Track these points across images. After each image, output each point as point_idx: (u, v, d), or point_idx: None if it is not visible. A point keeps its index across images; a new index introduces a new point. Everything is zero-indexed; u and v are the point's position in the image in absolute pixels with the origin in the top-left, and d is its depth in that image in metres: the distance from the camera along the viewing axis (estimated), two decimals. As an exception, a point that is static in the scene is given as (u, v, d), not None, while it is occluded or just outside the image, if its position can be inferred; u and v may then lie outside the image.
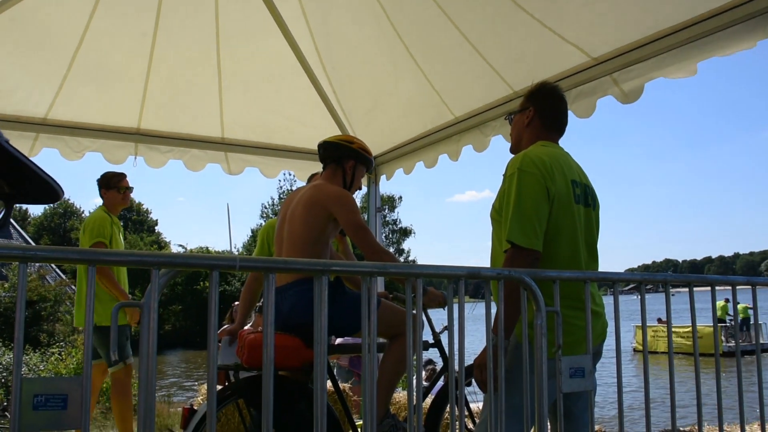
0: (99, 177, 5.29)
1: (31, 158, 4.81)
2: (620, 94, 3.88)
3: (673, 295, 2.73)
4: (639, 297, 2.56)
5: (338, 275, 3.38)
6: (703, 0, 3.29)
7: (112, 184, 5.26)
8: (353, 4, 4.76)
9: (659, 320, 23.41)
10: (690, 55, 3.50)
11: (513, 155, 2.73)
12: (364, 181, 6.28)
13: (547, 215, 2.51)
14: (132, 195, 5.44)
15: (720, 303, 23.74)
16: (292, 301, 3.29)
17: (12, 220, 39.77)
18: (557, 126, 2.84)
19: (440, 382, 4.03)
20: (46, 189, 0.50)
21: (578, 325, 2.45)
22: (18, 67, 4.80)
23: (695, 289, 2.65)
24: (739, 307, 23.51)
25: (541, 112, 2.83)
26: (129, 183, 5.35)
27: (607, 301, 2.66)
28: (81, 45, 4.80)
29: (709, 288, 2.74)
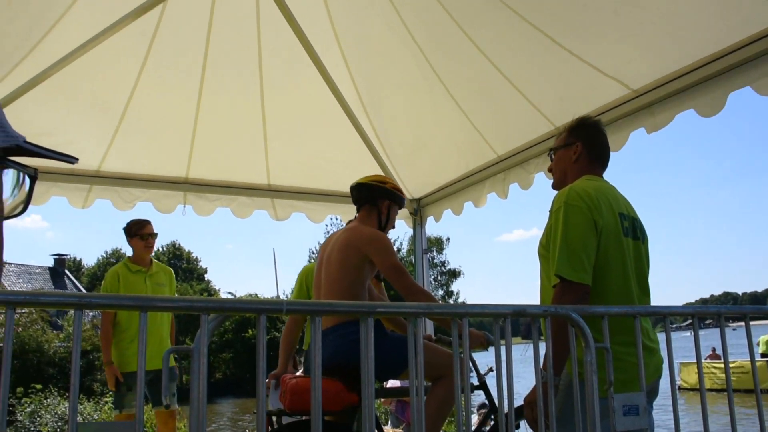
0: (123, 226, 5.42)
1: (85, 209, 4.94)
2: (652, 125, 3.87)
3: (734, 329, 2.66)
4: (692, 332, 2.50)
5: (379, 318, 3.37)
6: (739, 29, 3.27)
7: (134, 232, 5.37)
8: (392, 48, 4.84)
9: (713, 351, 22.57)
10: (722, 86, 3.48)
11: (557, 191, 2.72)
12: (408, 222, 6.33)
13: (595, 249, 2.48)
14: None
15: (764, 337, 22.89)
16: (334, 344, 3.29)
17: (66, 271, 40.87)
18: (603, 160, 2.83)
19: (488, 426, 3.96)
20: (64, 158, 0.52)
21: (631, 361, 2.40)
22: (72, 123, 4.99)
23: (755, 323, 2.58)
24: (763, 339, 22.54)
25: (589, 147, 2.82)
26: (153, 229, 5.43)
27: (661, 337, 2.60)
28: (131, 100, 4.97)
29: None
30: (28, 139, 0.46)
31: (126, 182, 5.52)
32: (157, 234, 5.47)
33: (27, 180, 0.53)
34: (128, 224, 5.39)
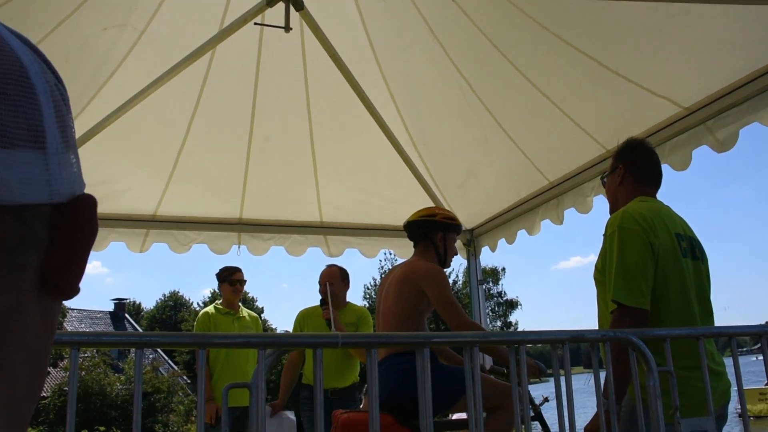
0: (216, 272, 5.88)
1: (142, 252, 5.08)
2: (715, 142, 3.78)
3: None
4: (762, 356, 2.41)
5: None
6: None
7: (224, 278, 5.81)
8: (438, 81, 4.87)
9: None
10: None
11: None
12: (462, 254, 6.30)
13: (653, 272, 2.43)
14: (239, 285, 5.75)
15: None
16: (384, 376, 3.27)
17: (126, 315, 41.73)
18: (650, 179, 2.78)
19: None
20: None
21: (697, 386, 2.32)
22: (128, 170, 5.14)
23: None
24: None
25: (630, 168, 2.79)
26: (242, 276, 5.84)
27: (728, 361, 2.52)
28: (184, 145, 5.10)
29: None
30: (88, 188, 0.50)
31: (181, 225, 5.65)
32: (245, 281, 5.89)
33: None
34: (220, 270, 5.86)
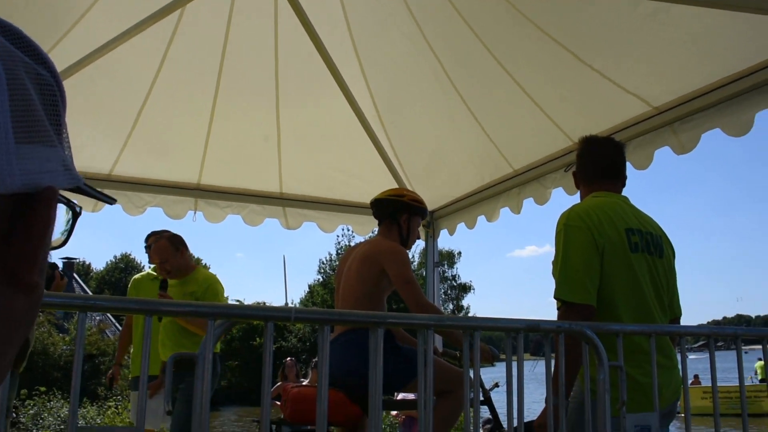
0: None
1: (95, 212, 4.96)
2: (677, 144, 3.81)
3: (746, 352, 2.61)
4: (707, 355, 2.44)
5: (389, 329, 3.34)
6: (763, 49, 3.23)
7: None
8: (411, 60, 4.81)
9: (695, 378, 22.12)
10: (748, 106, 3.42)
11: None
12: (421, 233, 6.29)
13: (598, 268, 2.44)
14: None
15: (760, 363, 22.55)
16: (338, 354, 3.25)
17: (75, 275, 41.00)
18: (604, 173, 2.77)
19: None
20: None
21: (646, 382, 2.35)
22: (85, 126, 4.98)
23: (756, 346, 2.52)
24: (759, 365, 22.19)
25: (582, 165, 2.81)
26: (153, 240, 5.33)
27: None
28: (145, 105, 4.96)
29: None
30: None
31: (137, 187, 5.51)
32: (151, 246, 5.33)
33: (71, 215, 0.58)
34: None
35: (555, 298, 2.44)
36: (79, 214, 0.59)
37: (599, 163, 2.79)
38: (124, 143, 5.18)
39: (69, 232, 0.59)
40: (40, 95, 0.49)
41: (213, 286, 4.81)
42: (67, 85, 4.25)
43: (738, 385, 2.57)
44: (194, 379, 1.77)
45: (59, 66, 4.20)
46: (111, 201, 0.68)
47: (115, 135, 5.14)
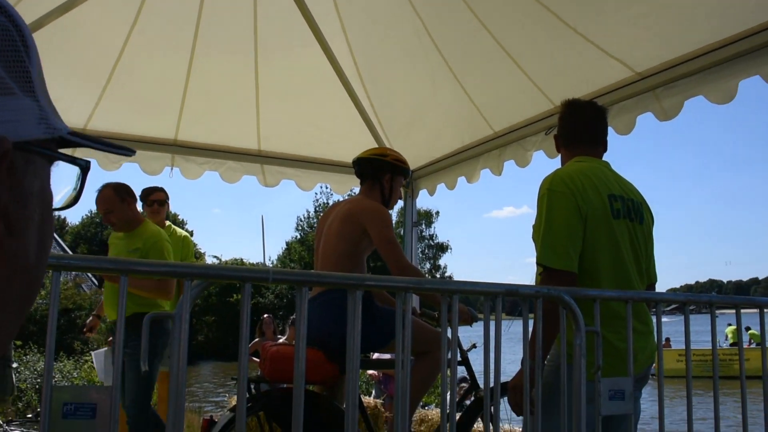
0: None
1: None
2: (660, 110, 3.80)
3: (717, 316, 2.65)
4: (681, 318, 2.47)
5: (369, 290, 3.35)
6: (749, 16, 3.21)
7: (142, 198, 5.30)
8: (393, 19, 4.74)
9: (666, 341, 22.63)
10: (732, 73, 3.41)
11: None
12: (402, 193, 6.28)
13: (581, 234, 2.44)
14: (168, 205, 5.52)
15: (731, 328, 23.07)
16: (316, 313, 3.25)
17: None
18: (586, 138, 2.75)
19: (467, 402, 3.94)
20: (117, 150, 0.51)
21: (622, 347, 2.37)
22: (58, 79, 4.86)
23: (744, 311, 2.56)
24: (730, 329, 22.72)
25: (563, 129, 2.79)
26: (163, 197, 5.46)
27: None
28: (120, 57, 4.85)
29: (756, 310, 2.64)
30: None
31: (112, 142, 5.40)
32: (166, 201, 5.48)
33: (78, 171, 0.55)
34: (141, 190, 5.30)
35: (537, 263, 2.44)
36: (87, 168, 0.56)
37: (581, 127, 2.77)
38: (99, 97, 5.08)
39: (79, 189, 0.56)
40: None
41: (159, 243, 4.55)
42: (37, 37, 4.12)
43: (711, 348, 2.61)
44: (146, 341, 1.74)
45: (27, 19, 4.08)
46: (127, 152, 0.62)
47: (89, 89, 5.04)
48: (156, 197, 5.41)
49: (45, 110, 0.49)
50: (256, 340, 8.22)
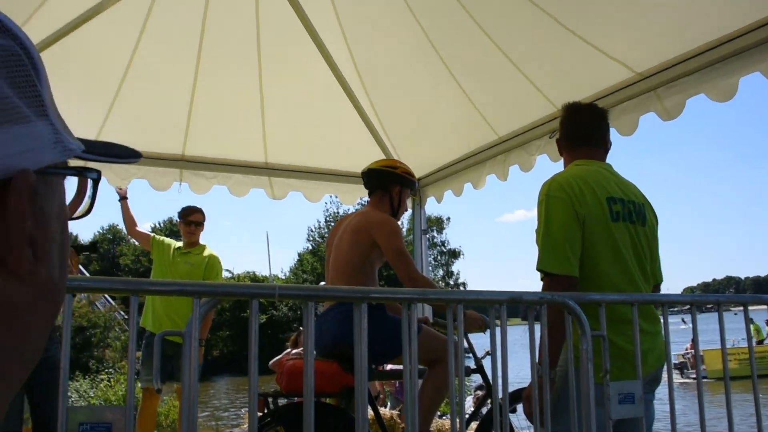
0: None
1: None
2: (662, 110, 3.81)
3: (735, 314, 2.65)
4: (688, 320, 2.48)
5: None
6: (747, 14, 3.21)
7: (180, 216, 5.93)
8: (393, 26, 4.77)
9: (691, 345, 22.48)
10: (732, 71, 3.42)
11: None
12: (409, 202, 6.30)
13: (579, 239, 2.45)
14: (176, 221, 5.73)
15: (754, 325, 22.90)
16: (330, 325, 3.28)
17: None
18: (586, 140, 2.77)
19: (485, 408, 3.96)
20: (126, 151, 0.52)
21: (630, 349, 2.38)
22: (66, 98, 4.92)
23: (754, 308, 2.55)
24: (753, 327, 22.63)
25: (564, 132, 2.81)
26: (201, 218, 5.92)
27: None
28: (126, 74, 4.90)
29: (766, 307, 2.64)
30: None
31: (121, 149, 5.45)
32: (202, 224, 5.96)
33: (90, 182, 0.57)
34: (182, 208, 5.97)
35: (537, 269, 2.46)
36: (98, 179, 0.58)
37: (581, 130, 2.79)
38: (106, 115, 5.13)
39: (92, 200, 0.58)
40: (3, 69, 0.45)
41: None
42: (44, 58, 4.18)
43: (747, 346, 2.61)
44: (158, 359, 1.77)
45: (34, 40, 4.13)
46: (133, 160, 0.65)
47: (97, 107, 5.09)
48: (195, 218, 5.85)
49: (59, 131, 0.50)
50: (288, 350, 8.22)
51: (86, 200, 0.57)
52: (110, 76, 4.91)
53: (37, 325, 0.49)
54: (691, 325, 2.63)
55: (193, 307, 1.76)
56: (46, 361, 4.27)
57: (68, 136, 0.52)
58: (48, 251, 0.50)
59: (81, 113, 5.11)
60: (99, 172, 0.57)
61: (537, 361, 2.17)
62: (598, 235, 2.47)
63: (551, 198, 2.50)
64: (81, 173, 0.56)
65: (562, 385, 2.34)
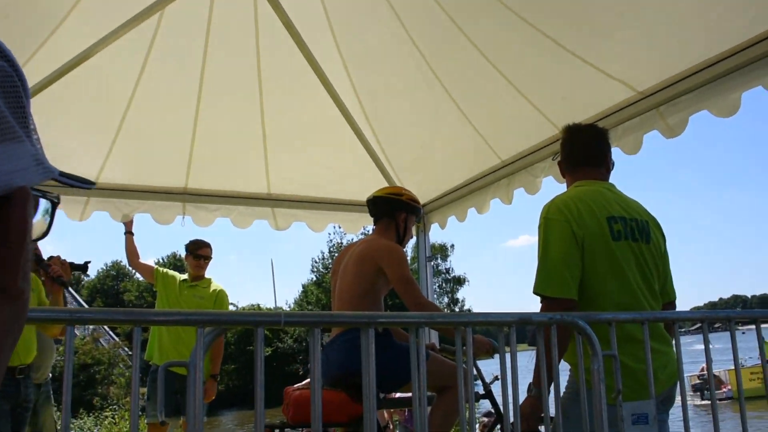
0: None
1: (82, 221, 4.90)
2: (665, 128, 3.80)
3: (743, 332, 2.61)
4: (716, 336, 2.44)
5: (387, 328, 3.34)
6: (747, 29, 3.22)
7: (189, 250, 5.94)
8: (393, 53, 4.79)
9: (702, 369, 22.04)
10: (734, 86, 3.41)
11: None
12: (414, 229, 6.28)
13: (578, 261, 2.42)
14: (182, 255, 5.73)
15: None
16: (337, 353, 3.25)
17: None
18: (587, 161, 2.76)
19: None
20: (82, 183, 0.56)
21: (639, 368, 2.34)
22: (69, 135, 4.94)
23: (764, 326, 2.52)
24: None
25: (565, 155, 2.82)
26: (209, 253, 5.97)
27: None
28: (128, 109, 4.91)
29: (777, 325, 2.60)
30: None
31: (123, 194, 5.46)
32: (210, 258, 6.02)
33: (50, 205, 0.57)
34: (189, 241, 6.02)
35: (534, 293, 2.44)
36: (57, 203, 0.58)
37: (582, 150, 2.79)
38: (109, 150, 5.14)
39: (49, 223, 0.58)
40: (1, 89, 0.46)
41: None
42: (48, 94, 4.20)
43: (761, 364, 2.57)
44: (162, 391, 1.75)
45: (38, 76, 4.17)
46: (88, 185, 0.66)
47: (99, 142, 5.10)
48: (204, 252, 5.90)
49: (39, 152, 0.50)
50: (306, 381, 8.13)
51: (46, 222, 0.57)
52: (113, 111, 4.93)
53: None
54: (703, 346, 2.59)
55: (197, 336, 1.73)
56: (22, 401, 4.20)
57: (45, 157, 0.53)
58: (28, 270, 0.50)
59: (85, 147, 5.13)
60: (58, 196, 0.58)
61: (543, 382, 2.13)
62: (599, 256, 2.45)
63: (549, 220, 2.49)
64: (44, 196, 0.56)
65: (571, 406, 2.30)
